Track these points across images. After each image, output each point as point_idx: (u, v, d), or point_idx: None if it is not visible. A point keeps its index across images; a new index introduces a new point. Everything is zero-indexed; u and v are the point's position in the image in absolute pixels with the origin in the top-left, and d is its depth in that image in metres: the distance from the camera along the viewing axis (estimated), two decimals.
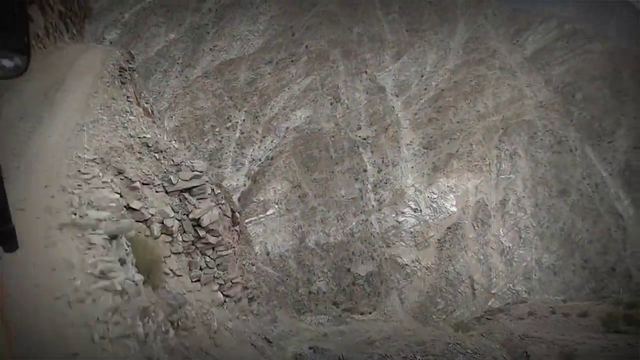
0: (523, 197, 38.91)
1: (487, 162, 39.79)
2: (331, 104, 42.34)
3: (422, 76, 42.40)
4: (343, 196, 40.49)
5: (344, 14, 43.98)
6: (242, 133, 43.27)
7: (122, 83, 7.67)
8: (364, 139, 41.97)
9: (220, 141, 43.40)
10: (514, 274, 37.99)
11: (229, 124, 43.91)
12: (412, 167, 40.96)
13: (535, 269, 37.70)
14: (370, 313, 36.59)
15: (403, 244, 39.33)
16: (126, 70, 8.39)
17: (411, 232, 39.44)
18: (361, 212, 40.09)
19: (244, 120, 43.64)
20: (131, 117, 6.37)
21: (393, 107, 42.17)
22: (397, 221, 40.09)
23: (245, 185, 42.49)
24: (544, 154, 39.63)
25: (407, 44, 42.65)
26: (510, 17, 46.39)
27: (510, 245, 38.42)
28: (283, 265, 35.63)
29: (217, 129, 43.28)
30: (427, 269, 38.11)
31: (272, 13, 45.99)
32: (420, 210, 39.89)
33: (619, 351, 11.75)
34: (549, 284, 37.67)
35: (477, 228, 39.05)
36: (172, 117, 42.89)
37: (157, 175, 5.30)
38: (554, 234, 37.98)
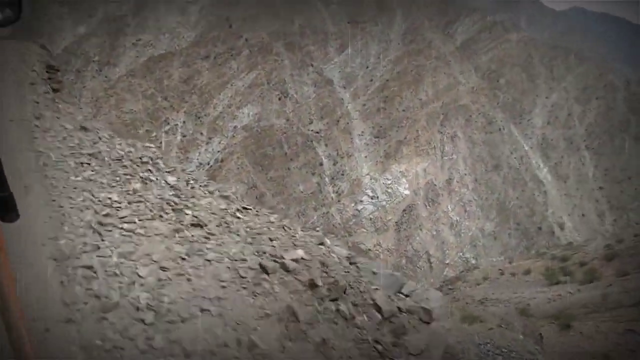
0: (465, 174, 42.76)
1: (432, 146, 42.68)
2: (279, 99, 41.13)
3: (367, 67, 43.42)
4: (302, 192, 40.18)
5: (282, 4, 42.54)
6: (184, 136, 39.83)
7: (54, 90, 5.76)
8: (317, 132, 41.81)
9: (160, 147, 39.05)
10: (463, 243, 41.91)
11: (167, 127, 39.97)
12: (366, 157, 42.13)
13: (479, 237, 42.04)
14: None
15: (364, 230, 40.62)
16: (55, 70, 6.37)
17: (370, 219, 40.84)
18: (321, 206, 40.31)
19: (184, 122, 40.14)
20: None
21: (342, 99, 42.55)
22: (356, 210, 41.12)
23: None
24: (479, 134, 43.85)
25: (349, 35, 43.01)
26: (441, 9, 49.90)
27: (458, 218, 42.15)
28: None
29: (153, 134, 39.02)
30: (388, 250, 40.03)
31: (203, 2, 42.38)
32: (377, 197, 41.44)
33: (563, 300, 13.45)
34: (491, 248, 42.40)
35: (428, 207, 41.91)
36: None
37: None
38: (492, 204, 42.61)
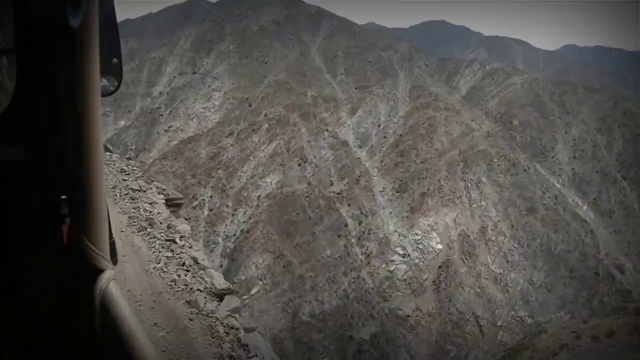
0: (499, 221, 40.73)
1: (458, 195, 41.73)
2: (299, 165, 42.90)
3: (379, 126, 45.36)
4: (329, 256, 39.11)
5: (295, 81, 47.10)
6: (210, 210, 41.34)
7: None
8: (338, 193, 42.30)
9: (188, 223, 40.32)
10: (513, 300, 37.93)
11: (195, 203, 41.84)
12: (390, 213, 41.48)
13: (530, 290, 38.11)
14: None
15: (400, 293, 37.93)
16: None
17: (405, 280, 38.41)
18: (351, 270, 38.68)
19: (211, 196, 42.04)
20: None
21: (359, 158, 43.81)
22: (388, 271, 39.08)
23: (222, 265, 39.20)
24: (504, 177, 42.83)
25: (359, 99, 46.20)
26: (440, 65, 53.46)
27: (501, 271, 38.92)
28: (279, 349, 31.80)
29: (182, 210, 40.56)
30: (429, 315, 36.63)
31: (225, 89, 47.82)
32: (409, 255, 39.54)
33: None
34: (546, 302, 38.05)
35: (466, 261, 39.27)
36: None
37: None
38: (536, 251, 39.47)
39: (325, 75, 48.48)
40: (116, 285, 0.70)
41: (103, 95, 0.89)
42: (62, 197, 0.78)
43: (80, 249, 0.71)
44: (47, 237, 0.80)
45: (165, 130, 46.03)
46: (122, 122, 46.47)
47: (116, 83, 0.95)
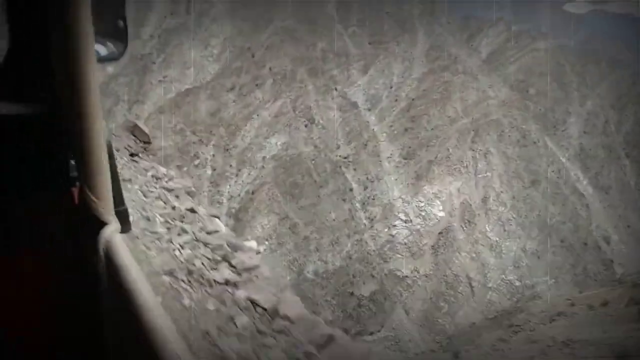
0: (501, 192, 41.37)
1: (465, 164, 41.57)
2: (306, 126, 41.08)
3: (391, 87, 42.85)
4: (334, 219, 39.77)
5: (303, 30, 42.78)
6: (214, 169, 40.25)
7: None
8: (345, 157, 41.40)
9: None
10: (504, 265, 40.42)
11: (197, 162, 40.48)
12: (396, 179, 41.35)
13: (522, 257, 40.53)
14: (379, 331, 36.49)
15: (400, 256, 39.69)
16: None
17: (405, 244, 39.92)
18: (354, 233, 39.74)
19: (213, 155, 40.58)
20: None
21: (368, 121, 42.06)
22: (390, 235, 40.32)
23: (227, 225, 38.96)
24: (513, 149, 42.47)
25: (372, 56, 42.86)
26: (463, 24, 49.43)
27: (497, 239, 40.75)
28: None
29: (184, 169, 39.40)
30: (426, 276, 38.94)
31: (225, 34, 43.26)
32: (411, 221, 40.52)
33: None
34: (535, 268, 40.78)
35: (465, 228, 40.67)
36: None
37: None
38: (532, 222, 41.06)
39: (337, 24, 43.85)
40: (120, 237, 0.74)
41: (110, 60, 0.90)
42: (72, 160, 0.81)
43: (84, 203, 0.74)
44: (57, 197, 0.83)
45: (160, 81, 42.29)
46: (110, 69, 41.85)
47: (123, 47, 0.92)
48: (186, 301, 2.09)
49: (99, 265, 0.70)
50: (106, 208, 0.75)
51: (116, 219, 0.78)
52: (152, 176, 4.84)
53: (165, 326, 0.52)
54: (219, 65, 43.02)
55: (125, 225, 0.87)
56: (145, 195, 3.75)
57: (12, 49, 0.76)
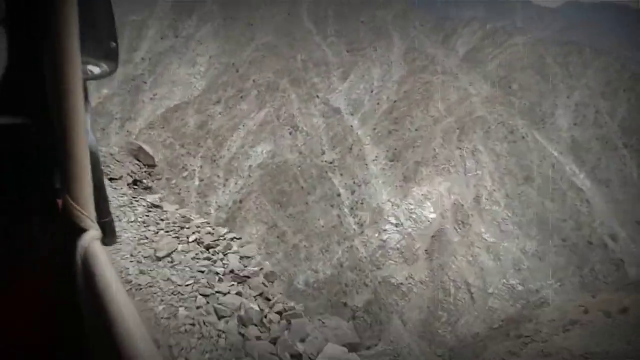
0: (494, 190, 36.73)
1: (453, 163, 37.39)
2: (290, 133, 38.06)
3: (372, 91, 39.88)
4: (322, 226, 35.61)
5: (283, 44, 40.82)
6: (201, 180, 37.22)
7: None
8: (330, 162, 37.90)
9: (179, 193, 36.51)
10: (504, 268, 35.05)
11: (185, 173, 37.54)
12: (383, 182, 37.38)
13: (522, 259, 35.09)
14: (376, 345, 31.39)
15: (392, 262, 34.93)
16: None
17: (398, 249, 35.27)
18: (344, 239, 35.36)
19: (201, 166, 37.70)
20: None
21: (351, 126, 38.82)
22: (381, 240, 35.80)
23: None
24: (501, 145, 38.22)
25: (350, 63, 40.29)
26: (437, 25, 46.66)
27: (494, 240, 35.65)
28: None
29: (173, 181, 36.61)
30: (421, 283, 33.88)
31: (210, 53, 41.64)
32: (402, 224, 36.04)
33: None
34: (538, 271, 35.22)
35: (459, 230, 35.88)
36: None
37: None
38: (530, 220, 35.93)
39: (315, 37, 41.99)
40: (99, 244, 0.70)
41: (102, 77, 0.90)
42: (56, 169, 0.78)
43: (65, 209, 0.72)
44: (42, 205, 0.80)
45: (151, 98, 40.56)
46: (105, 90, 40.75)
47: (114, 65, 0.94)
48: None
49: (77, 271, 0.67)
50: (86, 214, 0.72)
51: (97, 226, 0.74)
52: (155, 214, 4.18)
53: (139, 335, 0.50)
54: (205, 81, 41.30)
55: (110, 237, 0.85)
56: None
57: (10, 65, 0.76)
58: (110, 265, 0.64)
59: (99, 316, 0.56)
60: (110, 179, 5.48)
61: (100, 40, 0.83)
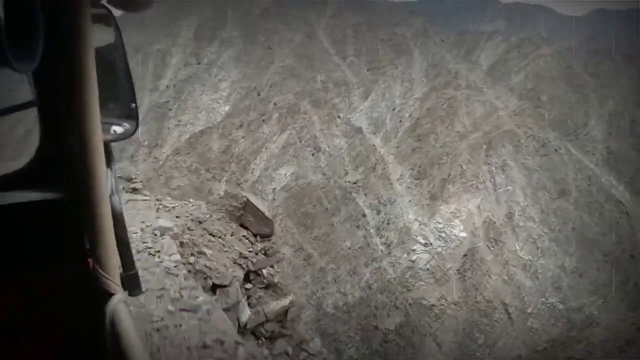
0: (527, 205, 36.46)
1: (482, 180, 37.44)
2: (313, 154, 39.35)
3: (393, 109, 40.77)
4: (349, 248, 36.34)
5: (303, 66, 42.59)
6: None
7: None
8: (354, 183, 38.77)
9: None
10: (543, 286, 34.49)
11: (210, 198, 38.94)
12: (410, 201, 37.81)
13: (561, 276, 34.33)
14: None
15: (423, 283, 35.06)
16: None
17: (428, 269, 35.41)
18: (372, 260, 35.92)
19: (226, 190, 39.01)
20: None
21: (374, 145, 39.74)
22: (410, 261, 36.05)
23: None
24: (532, 159, 38.02)
25: (371, 82, 41.50)
26: (458, 40, 47.20)
27: (530, 257, 35.22)
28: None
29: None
30: (455, 304, 33.79)
31: (232, 78, 43.93)
32: (431, 244, 36.19)
33: None
34: (578, 288, 34.47)
35: (492, 248, 35.64)
36: None
37: None
38: (568, 236, 35.28)
39: (334, 57, 43.55)
40: (125, 306, 0.79)
41: (124, 138, 0.97)
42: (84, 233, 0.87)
43: (94, 273, 0.80)
44: (74, 268, 0.88)
45: (176, 125, 43.00)
46: None
47: (135, 125, 1.01)
48: None
49: (106, 333, 0.75)
50: (112, 279, 0.80)
51: (122, 290, 0.82)
52: None
53: None
54: (228, 106, 43.44)
55: (135, 288, 0.89)
56: None
57: (42, 144, 0.84)
58: (133, 329, 0.72)
59: None
60: (214, 287, 3.31)
61: (121, 101, 0.93)
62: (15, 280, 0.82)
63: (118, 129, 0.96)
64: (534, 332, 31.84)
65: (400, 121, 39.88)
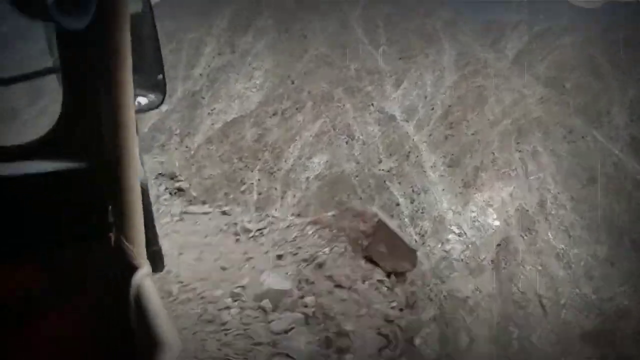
0: (558, 193, 23.55)
1: (514, 167, 24.18)
2: (346, 142, 25.79)
3: (425, 97, 26.73)
4: None
5: (336, 54, 27.95)
6: (259, 194, 25.84)
7: None
8: (388, 171, 25.44)
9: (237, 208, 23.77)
10: (576, 276, 22.46)
11: (243, 187, 26.06)
12: (443, 190, 24.79)
13: (594, 266, 22.06)
14: None
15: (457, 274, 22.41)
16: None
17: (462, 260, 22.95)
18: None
19: (259, 179, 26.25)
20: None
21: (407, 132, 25.97)
22: (444, 251, 23.55)
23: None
24: (561, 146, 24.55)
25: (403, 70, 27.25)
26: (484, 30, 32.84)
27: (563, 246, 22.78)
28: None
29: (230, 196, 25.04)
30: (489, 296, 21.49)
31: (266, 66, 29.54)
32: (465, 233, 23.55)
33: None
34: (610, 277, 22.26)
35: (525, 237, 23.12)
36: None
37: None
38: (599, 224, 22.48)
39: (367, 46, 29.41)
40: (150, 281, 0.58)
41: (150, 109, 0.72)
42: (109, 206, 0.64)
43: (119, 248, 0.59)
44: (95, 242, 0.65)
45: (208, 113, 28.99)
46: (166, 107, 29.14)
47: (161, 97, 0.74)
48: None
49: (130, 309, 0.55)
50: (138, 253, 0.59)
51: (148, 263, 0.60)
52: None
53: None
54: (262, 94, 29.86)
55: (158, 265, 0.68)
56: None
57: (66, 111, 0.60)
58: (160, 303, 0.53)
59: (151, 353, 0.46)
60: None
61: (148, 72, 0.63)
62: (36, 260, 0.59)
63: (143, 100, 0.68)
64: (566, 324, 21.20)
65: (433, 109, 26.87)
